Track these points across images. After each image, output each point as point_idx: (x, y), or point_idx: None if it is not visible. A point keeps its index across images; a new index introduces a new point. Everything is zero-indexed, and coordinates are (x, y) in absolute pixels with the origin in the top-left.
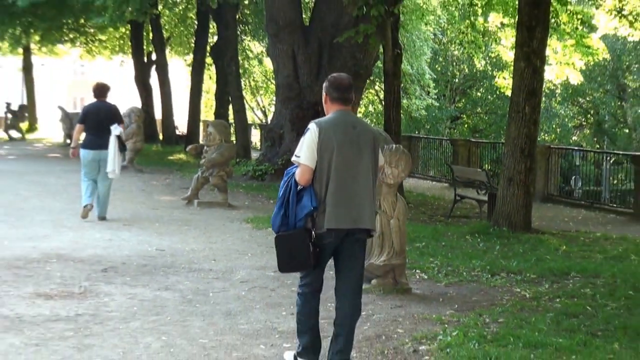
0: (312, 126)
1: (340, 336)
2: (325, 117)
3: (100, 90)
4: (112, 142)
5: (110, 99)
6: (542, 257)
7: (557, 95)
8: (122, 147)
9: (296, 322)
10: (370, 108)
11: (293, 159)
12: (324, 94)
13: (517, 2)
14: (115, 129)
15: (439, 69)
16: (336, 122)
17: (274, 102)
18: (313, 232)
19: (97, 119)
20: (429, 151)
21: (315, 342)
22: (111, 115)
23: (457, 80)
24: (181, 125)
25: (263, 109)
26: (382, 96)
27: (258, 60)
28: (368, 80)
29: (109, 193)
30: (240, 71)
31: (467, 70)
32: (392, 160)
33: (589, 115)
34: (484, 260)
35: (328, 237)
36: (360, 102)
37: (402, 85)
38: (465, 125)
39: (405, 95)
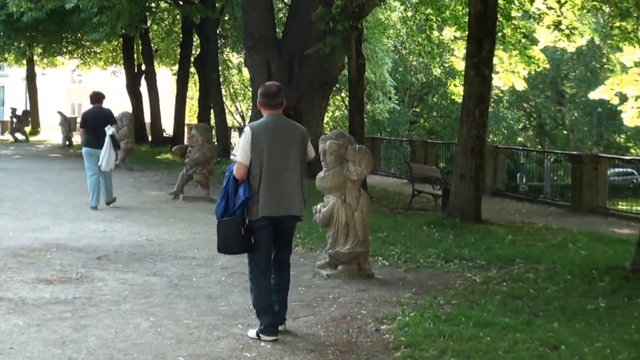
0: (247, 129)
1: (277, 301)
2: (258, 121)
3: (96, 97)
4: (107, 141)
5: (105, 104)
6: (490, 246)
7: (504, 100)
8: (115, 145)
9: (253, 305)
10: (337, 113)
11: (231, 157)
12: (257, 101)
13: (467, 18)
14: (109, 130)
15: (399, 77)
16: (267, 124)
17: (250, 107)
18: (246, 220)
19: (94, 122)
20: (390, 151)
21: (274, 319)
22: (106, 118)
23: (415, 87)
24: (168, 128)
25: (241, 113)
26: (347, 102)
27: (237, 70)
28: (334, 88)
29: (111, 181)
30: (221, 79)
31: (424, 79)
32: (356, 158)
33: (532, 119)
34: (439, 248)
35: (262, 222)
36: (328, 108)
37: (365, 91)
38: (422, 128)
39: (368, 101)
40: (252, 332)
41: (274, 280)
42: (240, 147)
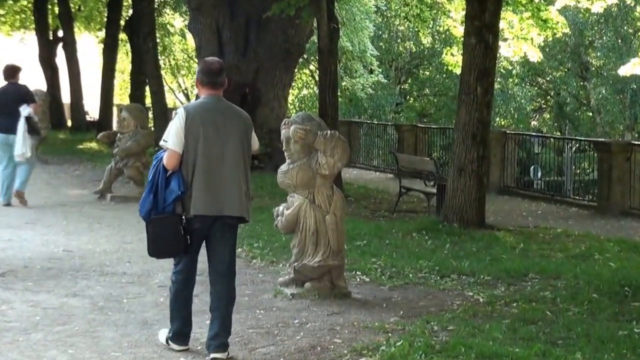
0: (180, 111)
1: (215, 320)
2: (194, 102)
3: (11, 71)
4: (21, 124)
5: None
6: (497, 257)
7: (513, 74)
8: (32, 129)
9: (169, 307)
10: (305, 91)
11: (161, 143)
12: (196, 78)
13: None
14: (24, 110)
15: (383, 45)
16: (205, 107)
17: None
18: (183, 217)
19: (3, 102)
20: (372, 138)
21: (185, 328)
22: (20, 96)
23: (402, 58)
24: (92, 110)
25: (185, 91)
26: (317, 77)
27: (180, 36)
28: (301, 59)
29: (31, 171)
30: (159, 48)
31: (413, 47)
32: (327, 148)
33: (549, 97)
34: (433, 260)
35: (196, 223)
36: (292, 84)
37: (340, 64)
38: (412, 109)
39: (344, 76)
40: (162, 336)
41: (212, 295)
42: (172, 132)
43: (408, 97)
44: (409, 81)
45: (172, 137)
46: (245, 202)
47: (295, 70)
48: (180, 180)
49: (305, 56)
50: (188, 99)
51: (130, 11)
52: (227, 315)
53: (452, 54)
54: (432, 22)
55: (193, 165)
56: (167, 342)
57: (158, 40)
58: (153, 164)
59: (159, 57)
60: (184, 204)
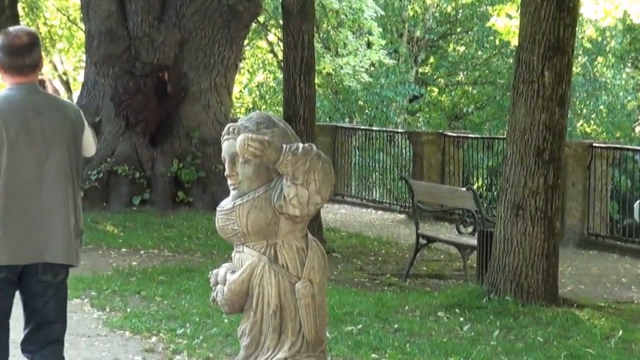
0: None
1: None
2: None
3: None
4: None
5: None
6: (579, 352)
7: (606, 50)
8: None
9: None
10: (262, 77)
11: None
12: None
13: None
14: None
15: (390, 3)
16: (9, 102)
17: (83, 65)
18: None
19: None
20: (371, 154)
21: None
22: None
23: (422, 24)
24: None
25: (65, 76)
26: (282, 55)
27: None
28: (254, 24)
29: None
30: (24, 9)
31: (442, 5)
32: (298, 171)
33: None
34: (473, 357)
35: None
36: (241, 66)
37: (320, 31)
38: (436, 107)
39: (327, 52)
40: None
41: None
42: None
43: (430, 86)
44: (432, 61)
45: None
46: (73, 242)
47: (245, 42)
48: None
49: (261, 20)
50: (70, 90)
51: None
52: None
53: (507, 15)
54: None
55: None
56: None
57: None
58: None
59: (22, 22)
60: None
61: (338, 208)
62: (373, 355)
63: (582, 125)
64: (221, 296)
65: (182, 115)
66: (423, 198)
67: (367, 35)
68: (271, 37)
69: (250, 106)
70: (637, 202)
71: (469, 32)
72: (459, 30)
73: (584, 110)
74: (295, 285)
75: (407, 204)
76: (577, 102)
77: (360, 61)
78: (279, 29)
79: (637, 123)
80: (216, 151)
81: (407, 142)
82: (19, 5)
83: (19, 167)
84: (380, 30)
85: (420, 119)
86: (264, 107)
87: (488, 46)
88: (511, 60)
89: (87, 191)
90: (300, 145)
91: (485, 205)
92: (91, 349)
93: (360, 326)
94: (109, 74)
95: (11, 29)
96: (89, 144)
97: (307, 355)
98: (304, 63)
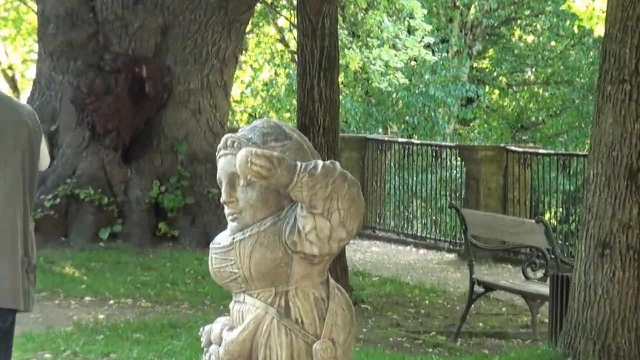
0: None
1: None
2: None
3: None
4: None
5: None
6: None
7: None
8: None
9: None
10: (270, 74)
11: None
12: None
13: None
14: None
15: None
16: None
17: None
18: None
19: None
20: (413, 175)
21: None
22: None
23: (478, 7)
24: None
25: (11, 71)
26: (295, 46)
27: None
28: (260, 4)
29: None
30: None
31: None
32: (317, 199)
33: None
34: None
35: None
36: (241, 60)
37: (342, 14)
38: (497, 114)
39: (355, 42)
40: None
41: None
42: None
43: (489, 87)
44: (491, 54)
45: None
46: (23, 282)
47: (248, 29)
48: None
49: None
50: (17, 89)
51: None
52: None
53: None
54: None
55: None
56: None
57: None
58: None
59: None
60: None
61: (369, 246)
62: None
63: None
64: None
65: (164, 123)
66: (479, 232)
67: (407, 19)
68: (282, 21)
69: (255, 112)
70: None
71: (540, 17)
72: (527, 14)
73: None
74: (313, 347)
75: (458, 241)
76: None
77: (396, 55)
78: (292, 11)
79: None
80: (210, 171)
81: (459, 159)
82: None
83: None
84: (425, 13)
85: (476, 130)
86: (272, 113)
87: (564, 35)
88: (595, 54)
89: (39, 222)
90: (320, 163)
91: (560, 242)
92: None
93: None
94: (69, 69)
95: None
96: (44, 156)
97: None
98: (324, 56)
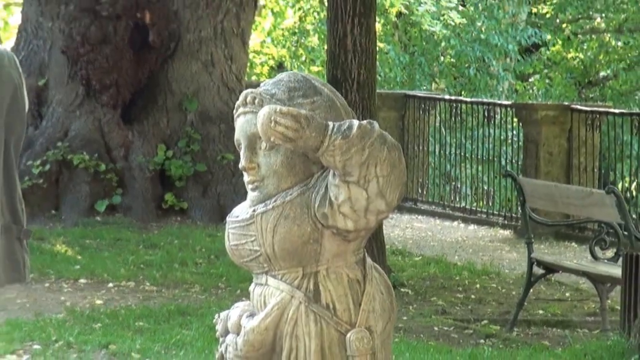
0: None
1: None
2: None
3: None
4: None
5: None
6: None
7: None
8: None
9: None
10: (294, 20)
11: None
12: None
13: None
14: None
15: None
16: None
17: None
18: None
19: None
20: (461, 138)
21: None
22: None
23: None
24: None
25: None
26: None
27: None
28: None
29: None
30: None
31: None
32: (352, 164)
33: None
34: None
35: None
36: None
37: None
38: (561, 67)
39: None
40: None
41: None
42: None
43: (551, 37)
44: None
45: None
46: (16, 254)
47: None
48: None
49: None
50: None
51: None
52: None
53: None
54: None
55: None
56: None
57: None
58: None
59: None
60: None
61: (409, 220)
62: None
63: None
64: (234, 352)
65: (171, 77)
66: (539, 205)
67: None
68: None
69: (277, 64)
70: None
71: None
72: None
73: None
74: (347, 337)
75: (514, 214)
76: None
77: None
78: None
79: None
80: (224, 132)
81: (516, 120)
82: None
83: None
84: None
85: (535, 86)
86: (297, 65)
87: None
88: None
89: (26, 192)
90: (355, 122)
91: (634, 216)
92: None
93: None
94: (60, 14)
95: None
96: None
97: None
98: (358, 3)
